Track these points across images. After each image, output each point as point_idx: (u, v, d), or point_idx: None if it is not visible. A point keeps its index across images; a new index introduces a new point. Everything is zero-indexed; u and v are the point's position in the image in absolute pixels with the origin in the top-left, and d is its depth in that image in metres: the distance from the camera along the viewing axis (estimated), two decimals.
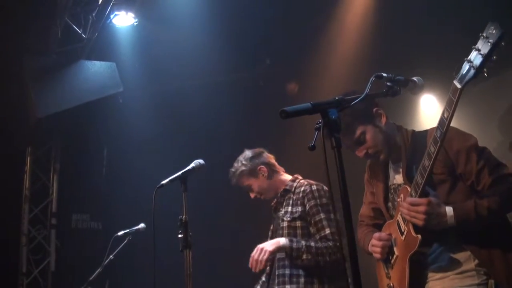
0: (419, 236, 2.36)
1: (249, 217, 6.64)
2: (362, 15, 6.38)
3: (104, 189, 7.26)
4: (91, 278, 4.74)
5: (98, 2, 5.68)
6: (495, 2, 5.42)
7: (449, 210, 2.32)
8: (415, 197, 2.36)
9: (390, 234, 2.65)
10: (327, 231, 3.32)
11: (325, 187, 3.49)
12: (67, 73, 5.95)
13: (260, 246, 3.32)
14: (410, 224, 2.42)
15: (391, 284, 2.63)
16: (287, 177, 3.73)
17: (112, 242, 4.75)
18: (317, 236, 3.34)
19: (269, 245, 3.31)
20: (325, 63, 6.96)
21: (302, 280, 3.34)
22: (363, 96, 2.05)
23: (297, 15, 6.42)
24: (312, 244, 3.29)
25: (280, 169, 3.79)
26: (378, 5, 6.21)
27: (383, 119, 2.72)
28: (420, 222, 2.32)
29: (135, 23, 5.99)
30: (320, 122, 1.90)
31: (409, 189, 2.45)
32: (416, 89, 2.32)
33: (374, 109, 2.69)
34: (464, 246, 2.41)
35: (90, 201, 7.16)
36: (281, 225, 3.52)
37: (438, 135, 2.23)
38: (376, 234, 2.70)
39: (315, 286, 3.32)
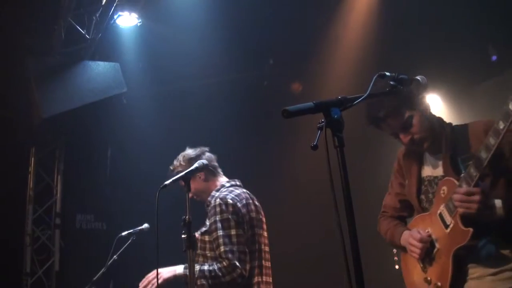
0: (471, 229, 2.34)
1: None
2: (365, 14, 6.38)
3: (108, 189, 7.27)
4: (95, 278, 4.74)
5: (102, 2, 5.69)
6: (499, 3, 5.41)
7: (497, 202, 2.33)
8: None
9: (429, 233, 2.61)
10: (222, 249, 3.25)
11: (229, 201, 3.40)
12: (71, 73, 5.95)
13: (159, 271, 3.28)
14: (458, 216, 2.40)
15: (429, 278, 2.59)
16: (221, 181, 3.67)
17: (116, 242, 4.76)
18: (217, 253, 3.29)
19: (165, 272, 3.32)
20: (328, 63, 6.96)
21: None
22: (365, 95, 2.04)
23: (301, 15, 6.41)
24: (205, 267, 3.26)
25: (219, 172, 3.72)
26: (382, 4, 6.20)
27: (428, 107, 2.68)
28: (474, 211, 2.30)
29: (138, 24, 5.99)
30: (322, 122, 1.90)
31: (455, 181, 2.43)
32: (420, 88, 2.31)
33: (420, 96, 2.65)
34: (507, 243, 2.40)
35: (94, 202, 7.17)
36: (201, 238, 3.49)
37: (501, 128, 2.22)
38: (416, 234, 2.64)
39: None
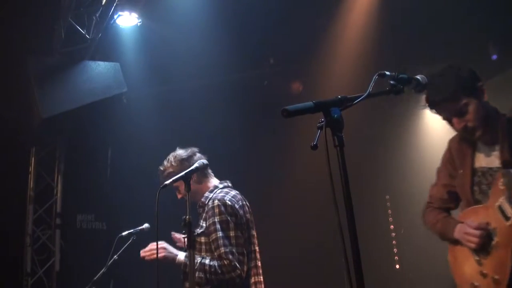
0: None
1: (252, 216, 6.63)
2: (365, 14, 6.37)
3: (108, 189, 7.27)
4: (95, 278, 4.74)
5: (102, 2, 5.68)
6: (499, 2, 5.40)
7: None
8: None
9: (487, 223, 2.57)
10: (222, 250, 3.28)
11: (228, 202, 3.41)
12: (71, 73, 5.95)
13: (164, 246, 3.36)
14: None
15: (484, 272, 2.56)
16: (214, 182, 3.67)
17: (116, 242, 4.76)
18: (216, 254, 3.31)
19: (168, 251, 3.36)
20: (329, 62, 6.96)
21: None
22: (365, 94, 2.04)
23: (301, 14, 6.41)
24: (207, 261, 3.29)
25: (210, 173, 3.71)
26: (382, 4, 6.20)
27: (485, 96, 2.67)
28: None
29: (138, 24, 5.99)
30: (322, 121, 1.89)
31: None
32: (420, 87, 2.31)
33: (479, 83, 2.65)
34: None
35: (94, 202, 7.17)
36: (199, 240, 3.49)
37: None
38: (473, 223, 2.60)
39: None
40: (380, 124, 7.52)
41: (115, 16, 5.79)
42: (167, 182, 3.18)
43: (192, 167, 3.26)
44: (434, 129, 7.60)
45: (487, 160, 2.68)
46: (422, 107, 2.85)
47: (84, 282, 4.83)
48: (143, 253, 3.41)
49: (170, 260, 3.38)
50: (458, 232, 2.72)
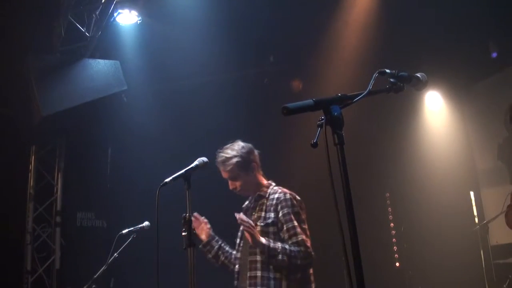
0: None
1: None
2: (366, 12, 6.37)
3: (108, 187, 7.27)
4: (95, 276, 4.76)
5: (102, 0, 5.68)
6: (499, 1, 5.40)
7: None
8: None
9: None
10: (300, 237, 3.39)
11: (297, 197, 3.58)
12: (71, 71, 5.94)
13: (255, 231, 3.36)
14: None
15: None
16: (263, 180, 3.77)
17: (116, 240, 4.77)
18: (289, 242, 3.39)
19: (257, 236, 3.36)
20: (329, 60, 6.96)
21: (272, 283, 3.38)
22: (366, 92, 2.04)
23: (301, 12, 6.41)
24: (287, 246, 3.36)
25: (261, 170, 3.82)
26: (382, 2, 6.20)
27: None
28: None
29: (138, 21, 5.99)
30: (322, 119, 1.89)
31: None
32: (420, 85, 2.30)
33: None
34: None
35: (94, 199, 7.17)
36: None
37: None
38: None
39: None
40: (380, 122, 7.53)
41: (115, 14, 5.79)
42: (167, 180, 3.17)
43: (193, 165, 3.25)
44: (434, 127, 7.61)
45: None
46: None
47: (84, 280, 4.84)
48: (241, 220, 3.38)
49: (254, 239, 3.35)
50: None
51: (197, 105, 7.11)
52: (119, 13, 5.81)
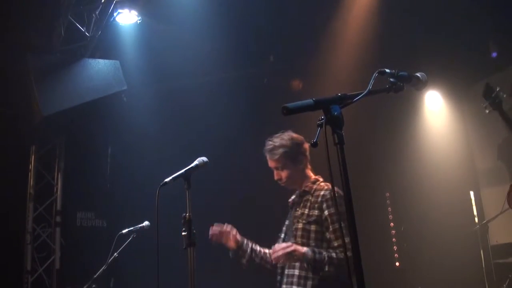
0: None
1: (253, 215, 6.64)
2: (365, 11, 6.37)
3: (108, 187, 7.27)
4: (95, 276, 4.76)
5: (101, 0, 5.68)
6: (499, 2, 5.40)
7: None
8: None
9: None
10: (346, 240, 3.16)
11: (341, 192, 3.34)
12: (71, 71, 5.94)
13: (293, 247, 3.22)
14: None
15: None
16: (310, 175, 3.62)
17: (116, 239, 4.77)
18: (335, 244, 3.24)
19: (297, 252, 3.22)
20: (329, 60, 6.96)
21: (309, 283, 3.29)
22: (365, 92, 2.04)
23: (301, 12, 6.41)
24: (334, 255, 3.20)
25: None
26: (382, 1, 6.19)
27: None
28: None
29: (138, 21, 5.99)
30: (322, 119, 1.89)
31: None
32: (420, 85, 2.30)
33: None
34: None
35: (94, 199, 7.17)
36: (295, 226, 3.45)
37: None
38: None
39: None
40: (380, 122, 7.53)
41: (115, 14, 5.79)
42: (167, 179, 3.17)
43: (193, 165, 3.25)
44: (434, 127, 7.61)
45: None
46: None
47: (84, 279, 4.85)
48: (275, 253, 3.26)
49: (296, 259, 3.25)
50: None
51: (197, 105, 7.11)
52: (119, 13, 5.81)
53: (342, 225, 3.14)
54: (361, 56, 6.50)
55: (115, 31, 6.20)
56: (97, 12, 5.82)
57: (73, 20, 5.88)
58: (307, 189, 3.52)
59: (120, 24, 6.09)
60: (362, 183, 6.07)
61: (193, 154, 3.34)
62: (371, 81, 2.08)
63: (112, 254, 4.79)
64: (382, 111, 7.16)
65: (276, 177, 3.64)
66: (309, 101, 1.91)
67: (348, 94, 2.02)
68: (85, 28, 5.98)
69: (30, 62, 5.84)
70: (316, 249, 3.25)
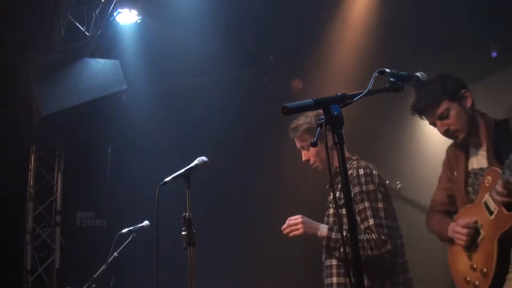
0: None
1: (253, 214, 6.64)
2: (365, 11, 6.37)
3: (108, 186, 7.27)
4: (95, 275, 4.76)
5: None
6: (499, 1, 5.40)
7: None
8: None
9: (475, 220, 2.71)
10: (371, 221, 2.95)
11: (374, 171, 3.13)
12: (70, 71, 5.94)
13: (303, 220, 3.05)
14: (501, 203, 2.50)
15: (474, 265, 2.69)
16: (346, 153, 3.28)
17: (116, 239, 4.77)
18: (362, 227, 2.98)
19: (308, 226, 3.06)
20: (329, 60, 6.96)
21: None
22: (365, 92, 2.04)
23: (301, 11, 6.40)
24: (359, 237, 2.91)
25: None
26: (382, 1, 6.19)
27: (469, 102, 2.82)
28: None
29: (138, 21, 5.98)
30: (322, 118, 1.90)
31: (499, 170, 2.52)
32: (420, 84, 2.31)
33: (462, 91, 2.81)
34: None
35: (94, 199, 7.17)
36: (327, 212, 3.30)
37: None
38: (462, 221, 2.76)
39: (365, 282, 2.90)
40: (380, 122, 7.52)
41: (115, 13, 5.78)
42: (166, 179, 3.17)
43: (192, 164, 3.25)
44: (434, 129, 7.60)
45: (478, 161, 2.83)
46: (411, 113, 3.00)
47: (84, 279, 4.84)
48: (284, 231, 3.11)
49: (310, 235, 3.06)
50: (450, 231, 2.88)
51: (197, 104, 7.11)
52: (119, 12, 5.80)
53: (367, 205, 3.00)
54: (361, 56, 6.50)
55: (115, 30, 6.20)
56: (97, 12, 5.82)
57: (73, 19, 5.89)
58: (337, 169, 3.04)
59: (120, 23, 6.09)
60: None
61: (193, 154, 3.34)
62: (371, 81, 2.09)
63: (112, 253, 4.79)
64: (381, 111, 7.16)
65: (304, 158, 3.46)
66: (309, 100, 1.91)
67: (348, 93, 2.02)
68: (85, 28, 5.98)
69: (30, 62, 5.84)
70: (335, 227, 3.06)
